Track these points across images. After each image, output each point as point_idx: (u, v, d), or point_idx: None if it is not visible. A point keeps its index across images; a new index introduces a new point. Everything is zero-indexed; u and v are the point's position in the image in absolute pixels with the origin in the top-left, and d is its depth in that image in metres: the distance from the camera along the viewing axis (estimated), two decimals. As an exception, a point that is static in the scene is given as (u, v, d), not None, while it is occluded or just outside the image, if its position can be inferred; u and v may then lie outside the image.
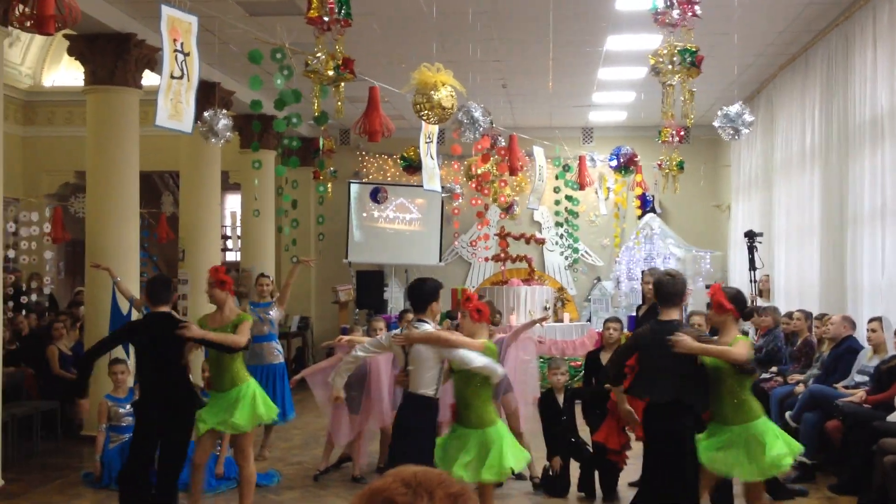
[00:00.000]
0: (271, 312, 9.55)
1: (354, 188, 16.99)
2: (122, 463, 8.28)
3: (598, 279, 17.29)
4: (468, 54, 10.93)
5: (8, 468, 8.23)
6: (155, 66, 10.21)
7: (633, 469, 8.10)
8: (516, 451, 6.04)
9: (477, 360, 5.75)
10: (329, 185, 12.83)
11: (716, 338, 5.91)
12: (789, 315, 10.60)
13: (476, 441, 5.88)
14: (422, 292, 6.07)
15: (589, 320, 16.29)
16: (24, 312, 11.34)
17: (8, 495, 7.85)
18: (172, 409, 6.41)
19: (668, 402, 5.71)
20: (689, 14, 7.10)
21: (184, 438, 6.55)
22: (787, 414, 8.86)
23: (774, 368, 10.41)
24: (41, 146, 15.80)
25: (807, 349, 9.89)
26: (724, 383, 5.70)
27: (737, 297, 5.92)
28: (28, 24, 5.70)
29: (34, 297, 11.81)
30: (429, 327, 5.94)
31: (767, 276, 13.29)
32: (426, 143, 9.25)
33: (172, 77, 6.19)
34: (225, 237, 17.34)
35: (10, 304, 10.93)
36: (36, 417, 9.56)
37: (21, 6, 5.70)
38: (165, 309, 6.48)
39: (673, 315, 5.81)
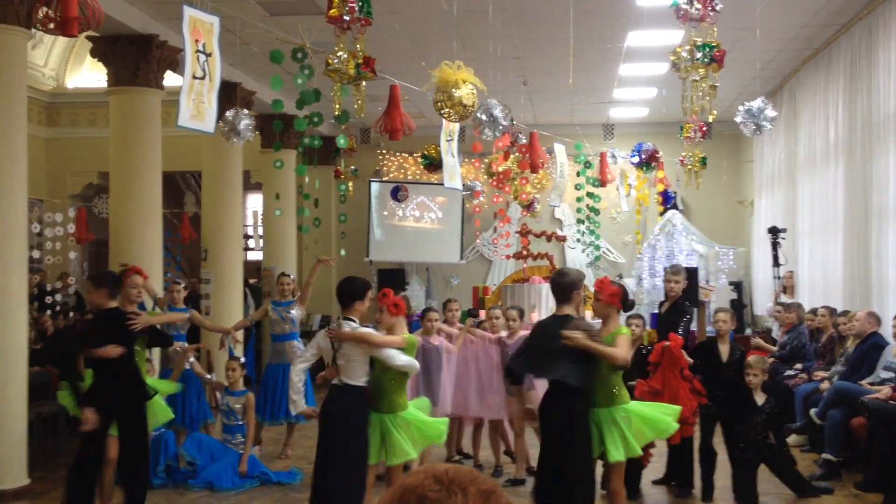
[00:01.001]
0: (293, 311, 9.58)
1: (375, 187, 17.01)
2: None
3: (620, 276, 17.21)
4: (488, 52, 10.92)
5: (34, 467, 8.30)
6: (176, 66, 10.27)
7: (656, 467, 8.08)
8: (421, 437, 6.40)
9: (398, 358, 6.19)
10: (350, 184, 12.85)
11: (598, 327, 6.32)
12: (813, 311, 10.53)
13: (380, 425, 6.29)
14: (345, 291, 6.37)
15: (610, 317, 16.20)
16: (48, 312, 11.43)
17: (34, 494, 7.92)
18: (127, 405, 6.70)
19: (556, 382, 6.09)
20: (710, 9, 7.06)
21: (140, 434, 6.79)
22: (812, 411, 8.80)
23: (799, 365, 10.35)
24: (65, 147, 15.92)
25: (831, 346, 9.82)
26: (600, 372, 6.08)
27: (622, 290, 6.30)
28: (51, 25, 5.75)
29: (59, 297, 11.90)
30: (355, 325, 6.25)
31: (791, 272, 13.20)
32: (447, 140, 9.24)
33: (195, 77, 6.22)
34: (247, 236, 17.41)
35: (35, 304, 11.01)
36: (61, 416, 9.63)
37: (45, 8, 5.74)
38: (114, 304, 6.80)
39: (567, 310, 6.19)
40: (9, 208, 7.93)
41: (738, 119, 8.33)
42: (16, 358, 7.97)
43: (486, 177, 14.88)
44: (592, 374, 6.03)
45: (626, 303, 6.28)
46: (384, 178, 17.43)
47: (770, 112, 8.33)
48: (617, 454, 6.06)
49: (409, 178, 17.48)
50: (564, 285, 6.22)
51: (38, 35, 11.00)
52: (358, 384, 6.22)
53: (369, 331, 6.33)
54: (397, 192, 16.85)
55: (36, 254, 11.56)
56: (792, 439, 9.10)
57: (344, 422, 6.15)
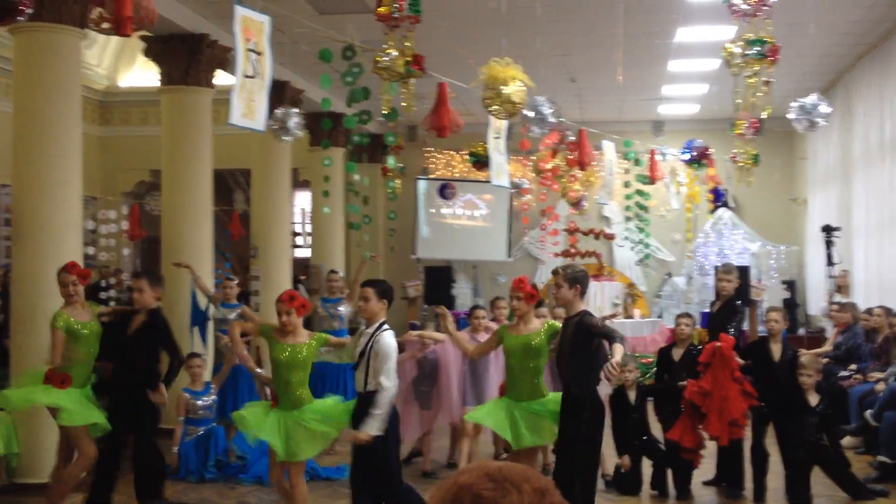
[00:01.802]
0: (341, 308, 9.63)
1: (422, 184, 17.03)
2: (196, 455, 8.47)
3: (669, 275, 17.06)
4: (536, 48, 10.87)
5: (89, 460, 8.42)
6: (226, 66, 10.37)
7: (707, 468, 7.98)
8: (321, 435, 6.39)
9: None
10: (398, 182, 12.89)
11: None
12: (869, 311, 10.32)
13: (289, 421, 6.32)
14: None
15: (660, 316, 16.08)
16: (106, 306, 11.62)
17: (88, 486, 8.03)
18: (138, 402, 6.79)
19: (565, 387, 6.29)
20: (762, 4, 6.94)
21: (142, 434, 6.87)
22: (867, 413, 8.64)
23: (854, 366, 10.15)
24: (117, 145, 16.17)
25: (887, 346, 9.62)
26: (532, 363, 6.29)
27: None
28: (106, 25, 5.83)
29: (113, 293, 12.10)
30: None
31: (846, 271, 12.96)
32: (494, 138, 9.22)
33: (246, 76, 6.27)
34: (295, 234, 17.54)
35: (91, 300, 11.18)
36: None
37: (99, 9, 5.83)
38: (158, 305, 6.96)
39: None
40: (64, 205, 8.07)
41: (791, 115, 8.19)
42: (70, 352, 8.10)
43: (533, 174, 14.81)
44: (589, 375, 6.10)
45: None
46: (431, 176, 17.44)
47: (824, 108, 8.19)
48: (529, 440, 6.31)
49: (457, 175, 17.47)
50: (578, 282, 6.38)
51: (91, 35, 11.18)
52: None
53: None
54: (444, 190, 16.85)
55: (90, 250, 11.76)
56: (846, 441, 8.95)
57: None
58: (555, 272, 8.60)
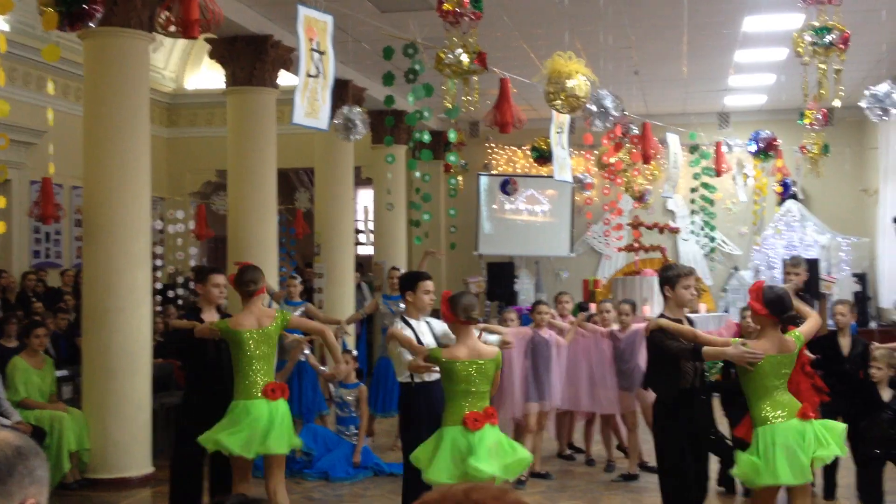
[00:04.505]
0: (402, 305, 9.64)
1: (484, 180, 17.01)
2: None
3: (736, 268, 16.78)
4: (599, 41, 10.76)
5: (158, 455, 8.61)
6: (290, 66, 10.48)
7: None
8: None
9: None
10: (459, 178, 12.88)
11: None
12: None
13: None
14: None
15: (726, 311, 15.81)
16: (175, 305, 11.82)
17: (157, 481, 8.20)
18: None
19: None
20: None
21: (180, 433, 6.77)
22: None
23: (929, 361, 9.87)
24: (184, 147, 16.46)
25: (965, 341, 9.33)
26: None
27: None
28: (173, 28, 5.93)
29: (181, 292, 12.32)
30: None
31: (920, 263, 12.61)
32: (557, 133, 9.17)
33: (309, 76, 6.33)
34: (358, 231, 17.67)
35: (159, 298, 11.43)
36: (180, 407, 9.95)
37: (166, 12, 5.93)
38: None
39: (664, 310, 5.90)
40: (133, 206, 8.24)
41: (863, 104, 8.00)
42: (141, 350, 8.29)
43: (596, 169, 14.68)
44: (676, 381, 5.76)
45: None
46: (493, 172, 17.40)
47: (898, 96, 7.96)
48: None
49: (518, 171, 17.40)
50: (659, 282, 6.00)
51: (158, 38, 11.40)
52: (400, 381, 6.23)
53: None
54: (506, 186, 16.80)
55: (159, 249, 11.99)
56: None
57: (400, 419, 6.33)
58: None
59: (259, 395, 5.92)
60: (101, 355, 8.08)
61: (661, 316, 5.77)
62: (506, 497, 1.54)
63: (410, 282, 6.17)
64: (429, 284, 6.16)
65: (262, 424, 5.85)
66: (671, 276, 5.82)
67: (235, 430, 5.83)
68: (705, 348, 5.49)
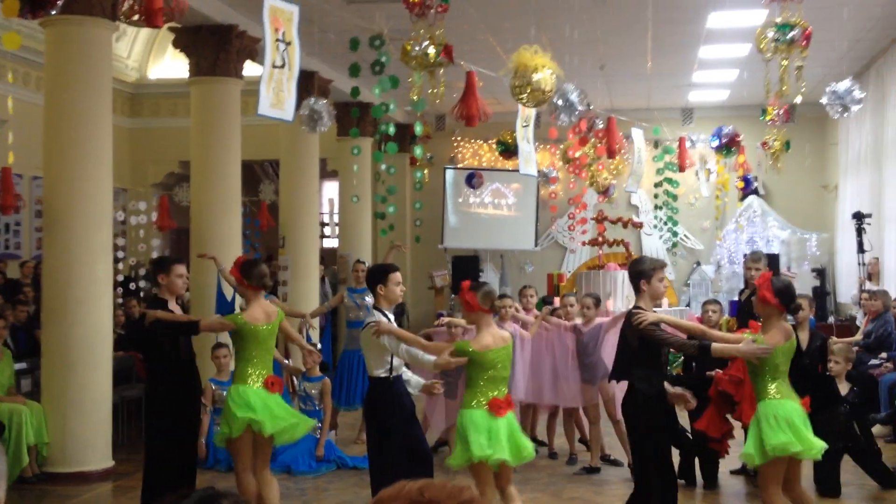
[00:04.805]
0: (367, 298, 9.63)
1: (450, 174, 17.02)
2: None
3: (698, 263, 16.95)
4: (565, 36, 10.80)
5: (118, 449, 8.53)
6: (255, 56, 10.40)
7: (734, 457, 7.91)
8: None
9: None
10: (426, 171, 12.87)
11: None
12: (901, 299, 10.21)
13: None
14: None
15: (688, 305, 15.97)
16: (137, 298, 11.72)
17: (118, 475, 8.14)
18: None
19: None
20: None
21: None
22: (900, 402, 8.54)
23: (884, 354, 10.06)
24: (147, 137, 16.27)
25: (920, 335, 9.51)
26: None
27: None
28: (136, 17, 5.87)
29: (143, 284, 12.21)
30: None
31: (877, 258, 12.82)
32: (523, 126, 9.19)
33: (274, 66, 6.29)
34: (323, 224, 17.59)
35: (120, 290, 11.31)
36: (144, 400, 9.88)
37: (129, 1, 5.86)
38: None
39: (639, 302, 5.80)
40: (95, 196, 8.14)
41: (824, 101, 8.10)
42: (101, 342, 8.20)
43: (561, 163, 14.74)
44: (662, 375, 5.82)
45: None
46: (459, 165, 17.42)
47: (858, 93, 8.08)
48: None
49: (484, 165, 17.43)
50: (631, 275, 5.97)
51: (121, 27, 11.26)
52: (374, 375, 6.02)
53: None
54: (472, 179, 16.83)
55: (121, 241, 11.86)
56: (876, 430, 8.85)
57: (368, 413, 6.24)
58: None
59: (261, 385, 6.11)
60: (60, 348, 7.99)
61: (637, 308, 5.77)
62: (460, 495, 1.54)
63: (381, 274, 6.16)
64: (398, 276, 6.17)
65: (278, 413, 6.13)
66: (646, 270, 5.82)
67: (273, 415, 6.04)
68: (715, 345, 5.51)
